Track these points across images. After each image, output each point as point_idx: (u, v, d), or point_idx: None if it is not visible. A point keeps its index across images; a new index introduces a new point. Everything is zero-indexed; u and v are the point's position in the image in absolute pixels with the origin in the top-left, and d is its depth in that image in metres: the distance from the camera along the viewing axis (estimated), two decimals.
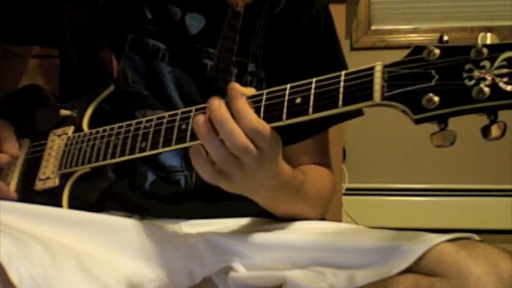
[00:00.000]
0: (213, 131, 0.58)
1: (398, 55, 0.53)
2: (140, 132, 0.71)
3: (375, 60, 0.54)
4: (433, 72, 0.50)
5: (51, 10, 0.89)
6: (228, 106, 0.59)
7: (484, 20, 2.05)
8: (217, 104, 0.59)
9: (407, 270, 0.60)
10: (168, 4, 0.83)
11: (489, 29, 2.01)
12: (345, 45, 1.03)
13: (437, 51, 0.50)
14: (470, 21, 2.05)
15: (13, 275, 0.57)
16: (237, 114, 0.58)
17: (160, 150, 0.68)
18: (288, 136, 0.68)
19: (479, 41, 0.49)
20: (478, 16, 2.05)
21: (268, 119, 0.59)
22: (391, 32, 2.09)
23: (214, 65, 0.82)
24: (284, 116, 0.58)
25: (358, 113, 0.81)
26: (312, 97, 0.57)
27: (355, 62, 0.85)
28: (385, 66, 0.53)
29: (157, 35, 0.84)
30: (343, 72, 0.56)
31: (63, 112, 0.85)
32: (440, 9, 2.06)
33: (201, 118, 0.59)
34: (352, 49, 2.07)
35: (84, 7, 0.87)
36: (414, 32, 2.08)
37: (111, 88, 0.84)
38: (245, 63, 0.84)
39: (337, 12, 1.11)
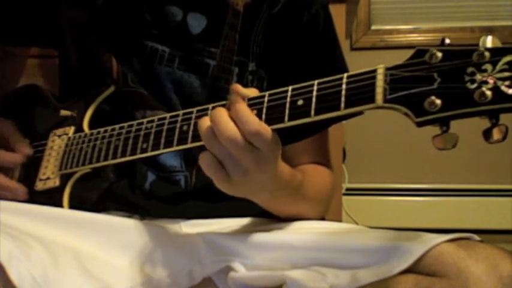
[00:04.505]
0: (215, 134, 0.58)
1: (399, 55, 0.54)
2: (141, 133, 0.71)
3: (375, 60, 0.54)
4: (435, 75, 0.50)
5: (50, 12, 0.89)
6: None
7: (484, 20, 2.05)
8: (218, 109, 0.59)
9: (407, 270, 0.60)
10: (168, 5, 0.83)
11: (489, 29, 2.01)
12: (345, 45, 1.03)
13: (439, 54, 0.50)
14: (470, 21, 2.05)
15: (13, 275, 0.58)
16: (236, 118, 0.58)
17: (161, 151, 0.68)
18: (287, 136, 0.68)
19: (480, 44, 0.49)
20: (478, 16, 2.05)
21: (270, 120, 0.59)
22: (391, 32, 2.09)
23: (216, 65, 0.82)
24: (286, 118, 0.58)
25: (358, 112, 0.81)
26: (314, 99, 0.57)
27: (355, 62, 0.85)
28: (387, 69, 0.53)
29: (157, 37, 0.83)
30: (345, 75, 0.56)
31: (64, 112, 0.85)
32: (440, 9, 2.06)
33: (206, 121, 0.59)
34: (352, 49, 2.07)
35: (82, 9, 0.86)
36: (414, 32, 2.08)
37: (112, 89, 0.83)
38: (246, 63, 0.84)
39: (337, 12, 1.11)
